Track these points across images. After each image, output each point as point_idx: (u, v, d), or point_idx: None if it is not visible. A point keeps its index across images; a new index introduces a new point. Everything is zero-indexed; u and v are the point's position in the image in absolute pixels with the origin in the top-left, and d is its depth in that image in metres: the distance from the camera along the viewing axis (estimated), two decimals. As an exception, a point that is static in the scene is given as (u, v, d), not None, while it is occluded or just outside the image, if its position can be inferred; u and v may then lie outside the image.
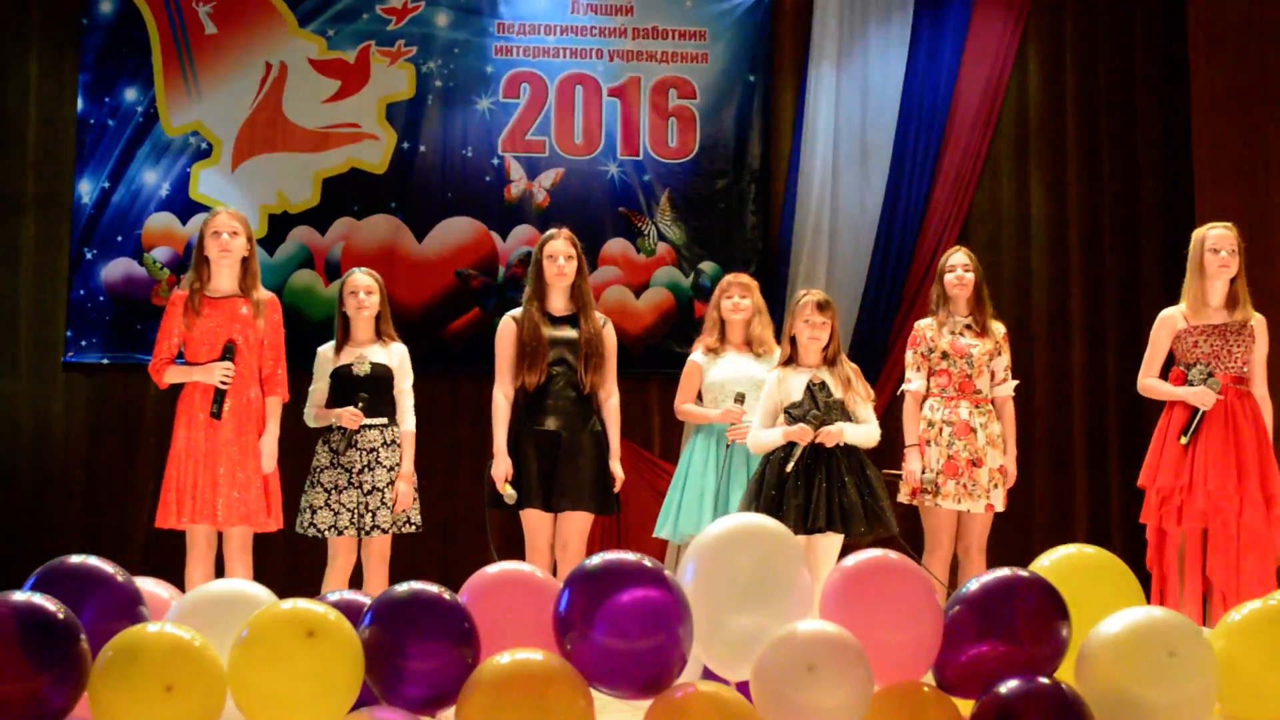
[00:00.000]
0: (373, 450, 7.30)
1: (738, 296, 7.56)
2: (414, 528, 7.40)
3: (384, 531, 7.25)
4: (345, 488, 7.23)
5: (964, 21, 10.36)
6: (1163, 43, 10.47)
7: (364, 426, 7.29)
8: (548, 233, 7.25)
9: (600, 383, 7.11)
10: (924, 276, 9.79)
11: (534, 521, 6.95)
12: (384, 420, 7.37)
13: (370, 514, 7.22)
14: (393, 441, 7.35)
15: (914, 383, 7.52)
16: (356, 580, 7.30)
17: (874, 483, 6.85)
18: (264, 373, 7.13)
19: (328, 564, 7.32)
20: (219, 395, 6.92)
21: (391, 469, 7.30)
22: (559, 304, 7.13)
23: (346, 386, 7.35)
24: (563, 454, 6.94)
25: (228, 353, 6.95)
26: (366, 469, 7.27)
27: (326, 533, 7.21)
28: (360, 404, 7.25)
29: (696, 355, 7.56)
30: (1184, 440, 6.95)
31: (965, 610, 4.64)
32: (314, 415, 7.41)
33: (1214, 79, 9.35)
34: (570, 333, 7.07)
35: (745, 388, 7.36)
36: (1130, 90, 10.54)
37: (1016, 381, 7.58)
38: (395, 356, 7.45)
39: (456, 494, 9.79)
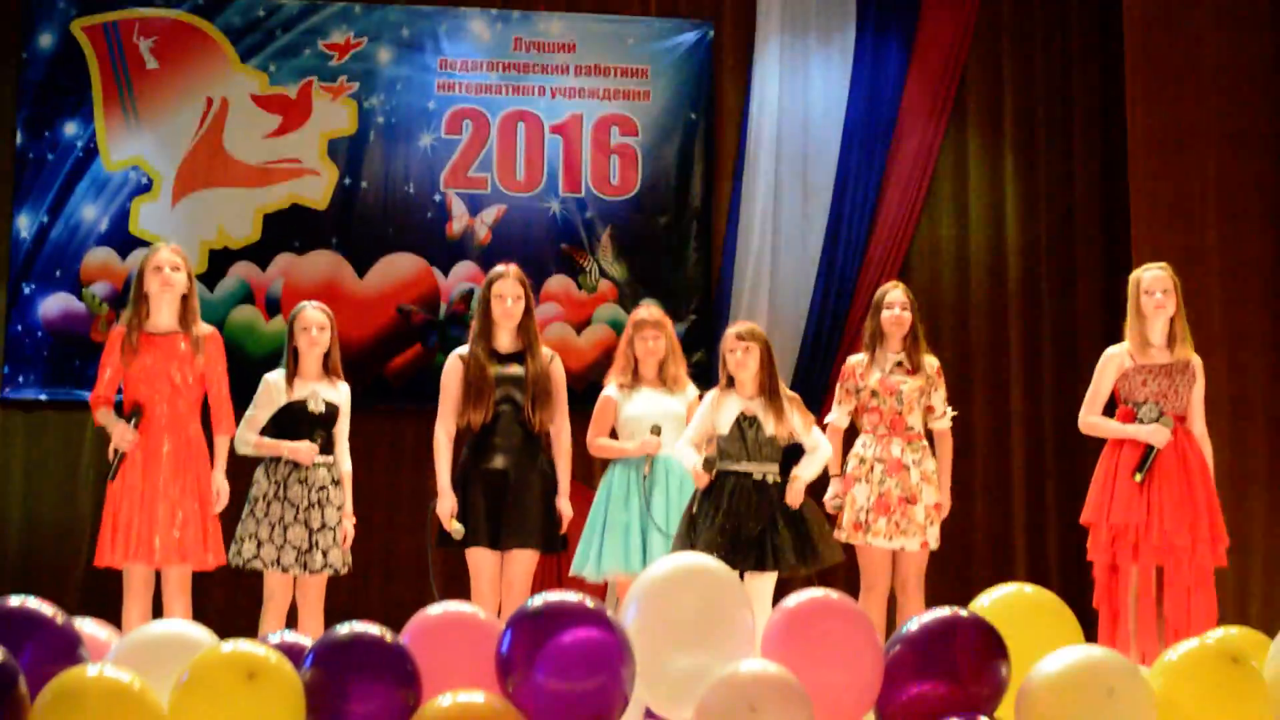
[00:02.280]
0: (322, 488, 7.26)
1: (650, 339, 7.53)
2: (346, 569, 7.36)
3: (336, 571, 7.21)
4: (292, 524, 7.18)
5: (903, 64, 10.46)
6: (1100, 83, 10.59)
7: (314, 464, 7.26)
8: (495, 270, 7.17)
9: (550, 419, 7.08)
10: (865, 314, 9.82)
11: (480, 560, 6.89)
12: (331, 459, 7.35)
13: (322, 553, 7.17)
14: (338, 481, 7.32)
15: (833, 415, 7.53)
16: (291, 619, 7.25)
17: (807, 518, 6.85)
18: (211, 410, 7.08)
19: (264, 601, 7.24)
20: (118, 458, 6.86)
21: (340, 507, 7.27)
22: (505, 342, 7.10)
23: (300, 422, 7.28)
24: (510, 492, 6.90)
25: (133, 416, 6.87)
26: (315, 506, 7.22)
27: (270, 567, 7.15)
28: (319, 440, 7.22)
29: (610, 390, 7.52)
30: (1138, 478, 6.98)
31: (906, 650, 4.66)
32: (253, 444, 7.30)
33: (1150, 119, 9.44)
34: (517, 370, 7.03)
35: (660, 422, 7.36)
36: (1068, 130, 10.66)
37: (954, 413, 7.61)
38: (343, 396, 7.43)
39: (398, 533, 9.75)
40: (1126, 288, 7.28)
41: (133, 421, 6.85)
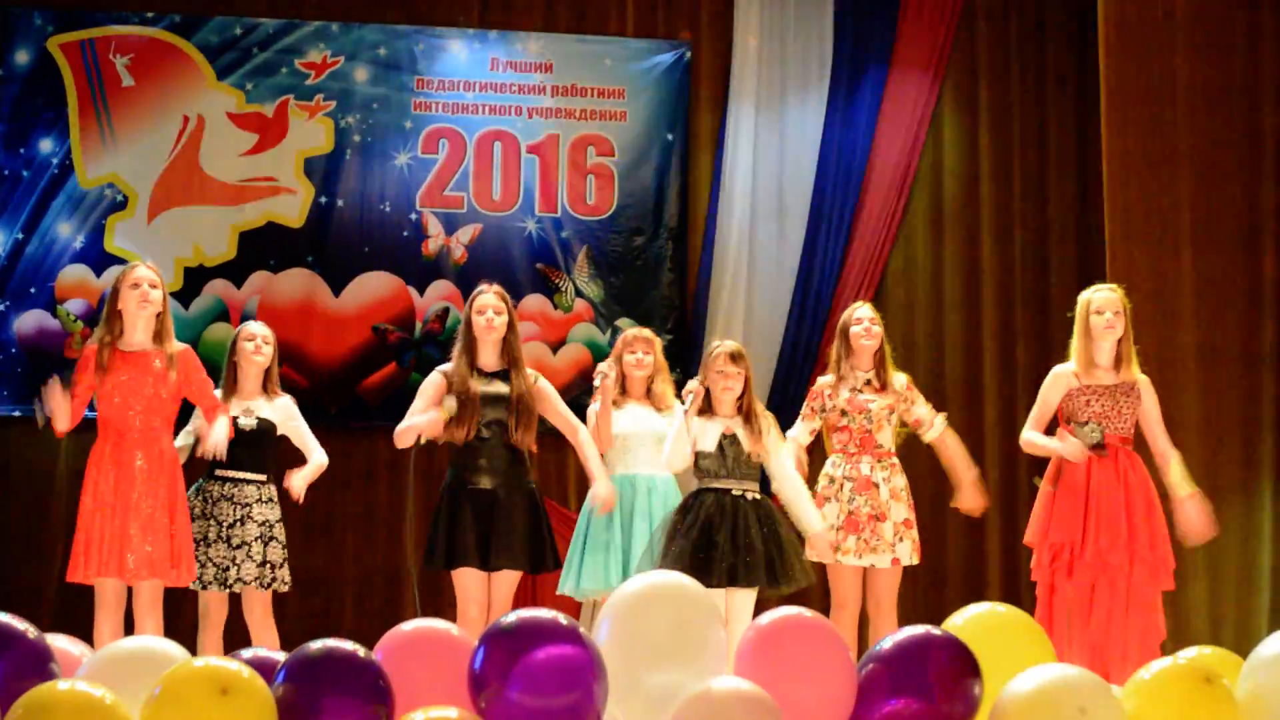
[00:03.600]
0: (246, 505, 7.28)
1: (641, 353, 7.55)
2: (286, 587, 7.35)
3: (245, 583, 7.21)
4: (214, 541, 7.20)
5: (880, 83, 10.49)
6: (1076, 105, 10.64)
7: (242, 481, 7.27)
8: (478, 288, 7.17)
9: (531, 440, 7.05)
10: (838, 334, 9.87)
11: (468, 581, 6.85)
12: (263, 477, 7.35)
13: (237, 568, 7.19)
14: (269, 499, 7.34)
15: (795, 429, 7.53)
16: (245, 639, 7.19)
17: (783, 537, 6.89)
18: (205, 411, 7.05)
19: (200, 620, 7.26)
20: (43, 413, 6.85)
21: (263, 524, 7.29)
22: (489, 359, 7.08)
23: (231, 439, 7.26)
24: (499, 513, 6.88)
25: (65, 379, 6.87)
26: (238, 523, 7.24)
27: (192, 585, 7.16)
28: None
29: (597, 406, 7.53)
30: (1036, 480, 7.04)
31: (879, 668, 4.67)
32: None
33: (1125, 141, 9.47)
34: (502, 388, 7.01)
35: (646, 442, 7.38)
36: (1043, 152, 10.71)
37: (943, 415, 7.62)
38: (280, 410, 7.44)
39: (372, 550, 9.74)
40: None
41: (66, 385, 6.84)
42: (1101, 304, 7.19)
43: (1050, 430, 7.24)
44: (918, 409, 7.54)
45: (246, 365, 7.43)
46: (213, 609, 7.25)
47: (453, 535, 6.84)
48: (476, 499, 6.88)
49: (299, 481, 7.41)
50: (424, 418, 6.89)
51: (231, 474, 7.32)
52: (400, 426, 6.97)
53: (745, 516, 6.83)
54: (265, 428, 7.36)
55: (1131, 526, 6.95)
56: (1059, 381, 7.23)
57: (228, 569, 7.19)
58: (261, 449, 7.35)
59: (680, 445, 6.94)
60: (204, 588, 7.20)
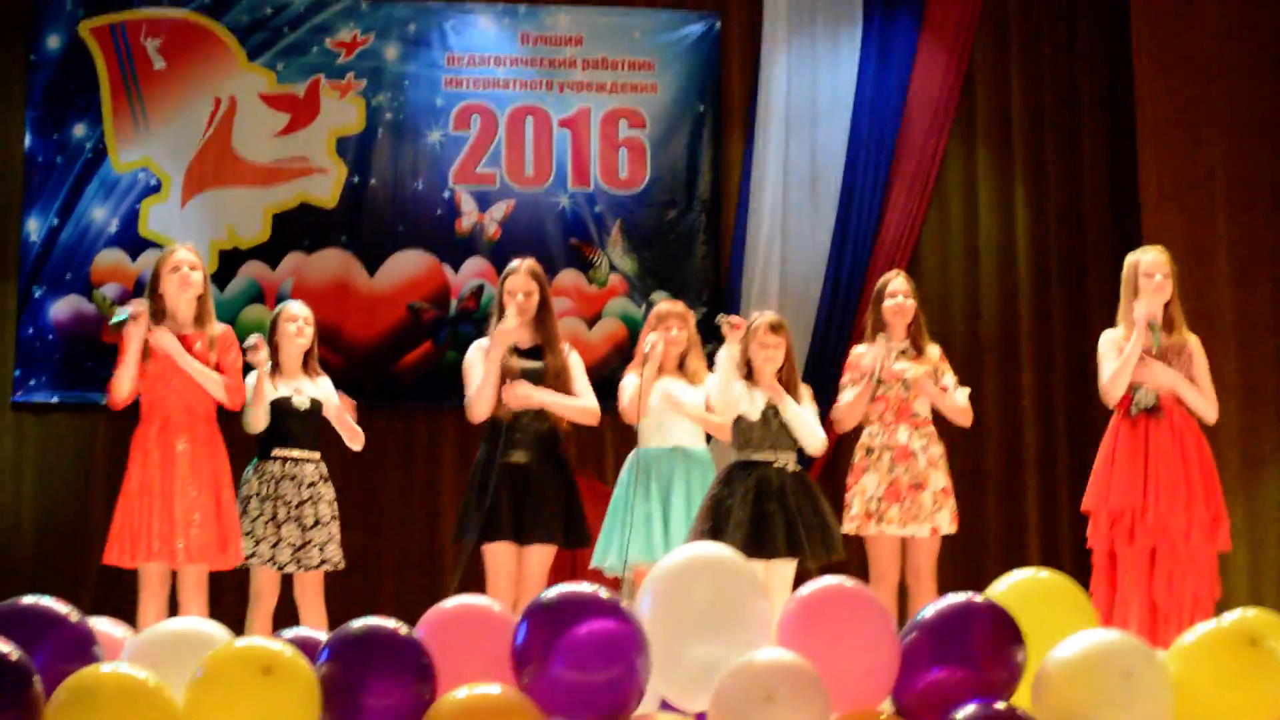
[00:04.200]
0: (311, 484, 7.29)
1: (675, 329, 7.53)
2: (343, 565, 7.38)
3: (330, 564, 7.24)
4: (285, 520, 7.20)
5: (910, 52, 10.43)
6: (1108, 69, 10.56)
7: (301, 461, 7.29)
8: (510, 265, 7.13)
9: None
10: (873, 304, 9.85)
11: (499, 555, 6.85)
12: (317, 455, 7.37)
13: (318, 548, 7.20)
14: (326, 477, 7.37)
15: (842, 398, 7.51)
16: (292, 618, 7.21)
17: (823, 509, 6.92)
18: (229, 388, 7.05)
19: (251, 600, 7.25)
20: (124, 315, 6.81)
21: (331, 502, 7.30)
22: (523, 337, 7.03)
23: (285, 418, 7.29)
24: (532, 487, 6.88)
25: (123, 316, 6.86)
26: (307, 503, 7.25)
27: (266, 565, 7.17)
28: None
29: (632, 378, 7.51)
30: (1155, 340, 6.96)
31: (921, 636, 4.65)
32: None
33: (1159, 103, 9.44)
34: (536, 365, 7.01)
35: (679, 417, 7.38)
36: (1076, 116, 10.63)
37: (968, 389, 7.59)
38: (324, 389, 7.47)
39: (410, 528, 9.77)
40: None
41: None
42: (1150, 266, 7.14)
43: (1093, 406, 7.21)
44: (945, 379, 7.52)
45: (288, 346, 7.44)
46: (266, 589, 7.24)
47: (487, 509, 6.83)
48: (510, 473, 6.87)
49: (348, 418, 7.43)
50: (490, 371, 6.86)
51: (290, 453, 7.33)
52: (469, 397, 6.94)
53: (789, 488, 6.88)
54: (316, 407, 7.38)
55: (1190, 488, 6.92)
56: (1111, 346, 7.18)
57: (303, 548, 7.21)
58: (314, 427, 7.38)
59: (728, 381, 6.97)
60: (280, 569, 7.22)
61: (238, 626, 4.89)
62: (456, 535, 6.99)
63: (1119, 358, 7.03)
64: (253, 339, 7.17)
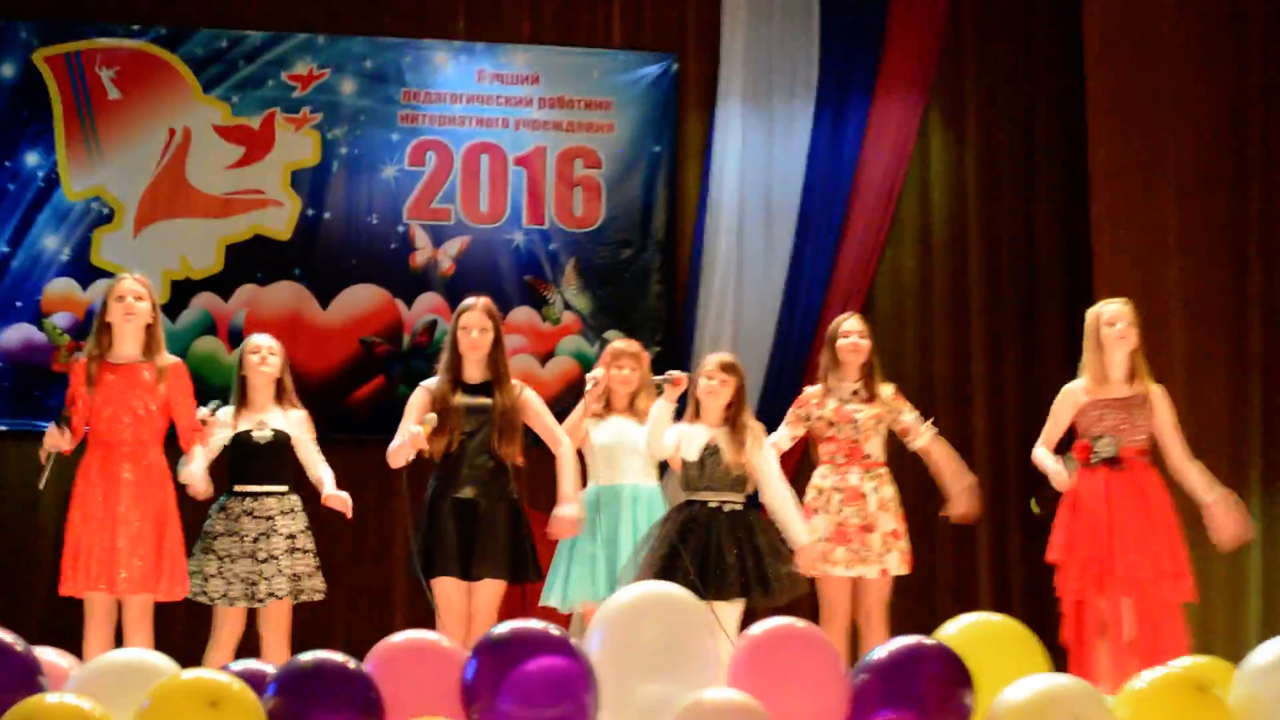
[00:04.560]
0: (269, 518, 7.25)
1: (628, 368, 7.53)
2: (320, 595, 7.34)
3: (278, 597, 7.18)
4: (239, 557, 7.16)
5: (867, 97, 10.45)
6: (1062, 117, 10.64)
7: (261, 495, 7.25)
8: (464, 303, 7.16)
9: (515, 453, 7.03)
10: (827, 346, 9.87)
11: (448, 591, 6.85)
12: (283, 488, 7.33)
13: (266, 581, 7.15)
14: (290, 510, 7.31)
15: (777, 434, 7.54)
16: (255, 650, 7.20)
17: (761, 548, 6.88)
18: (182, 434, 7.03)
19: (212, 634, 7.22)
20: (50, 460, 6.82)
21: (289, 536, 7.25)
22: (474, 374, 7.07)
23: (246, 453, 7.29)
24: (481, 522, 6.88)
25: (62, 418, 6.83)
26: (262, 537, 7.20)
27: (219, 601, 7.14)
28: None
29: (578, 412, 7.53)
30: (1034, 507, 7.06)
31: (871, 678, 4.67)
32: (183, 473, 7.23)
33: (1112, 153, 9.50)
34: (485, 401, 7.00)
35: (630, 453, 7.37)
36: (1031, 164, 10.71)
37: (931, 419, 7.62)
38: (295, 420, 7.42)
39: (361, 562, 9.72)
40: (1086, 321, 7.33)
41: (62, 424, 6.81)
42: (1113, 316, 7.21)
43: (1066, 444, 7.26)
44: (905, 417, 7.55)
45: (254, 377, 7.41)
46: (228, 625, 7.20)
47: (435, 544, 6.83)
48: (459, 508, 6.88)
49: (338, 495, 7.36)
50: (407, 435, 6.89)
51: (251, 488, 7.29)
52: (391, 446, 6.96)
53: (719, 528, 6.85)
54: (281, 439, 7.34)
55: (1154, 541, 6.96)
56: (1068, 398, 7.26)
57: (255, 583, 7.16)
58: (279, 460, 7.34)
59: (656, 433, 6.95)
60: (231, 604, 7.17)
61: (185, 658, 4.85)
62: (409, 569, 6.97)
63: (1049, 457, 7.19)
64: (202, 411, 7.15)
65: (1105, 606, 6.99)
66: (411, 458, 6.91)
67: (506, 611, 6.65)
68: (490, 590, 6.90)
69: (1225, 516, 7.13)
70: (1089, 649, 6.96)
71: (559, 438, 7.18)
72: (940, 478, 7.64)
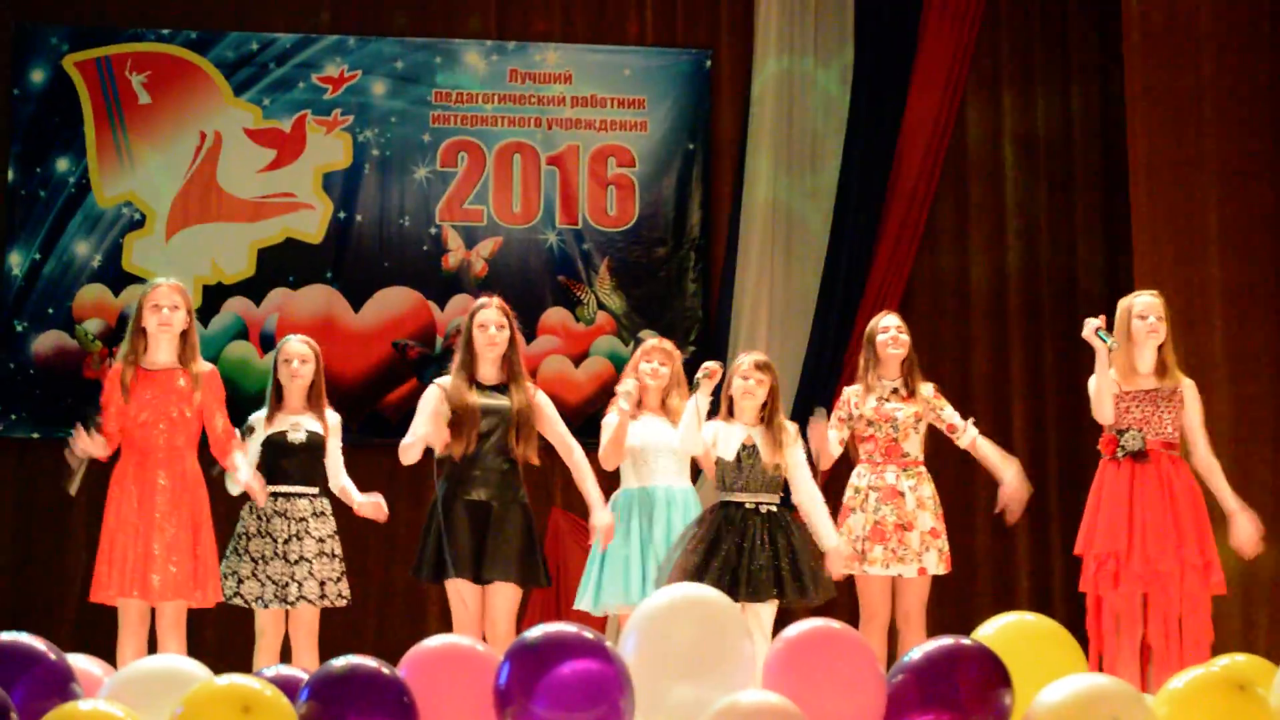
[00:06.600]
0: (302, 520, 7.25)
1: (658, 363, 7.46)
2: (344, 601, 7.32)
3: (310, 602, 7.17)
4: (271, 558, 7.16)
5: (902, 93, 10.40)
6: (1101, 110, 10.57)
7: (294, 496, 7.24)
8: (479, 301, 7.14)
9: (532, 453, 7.00)
10: (863, 344, 9.82)
11: (461, 593, 6.81)
12: (315, 490, 7.32)
13: (297, 584, 7.14)
14: (321, 513, 7.31)
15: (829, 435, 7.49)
16: (285, 654, 7.20)
17: (796, 550, 6.84)
18: (215, 442, 7.02)
19: (256, 639, 7.24)
20: (80, 465, 6.83)
21: (320, 539, 7.24)
22: (489, 373, 7.02)
23: (279, 454, 7.29)
24: (493, 524, 6.84)
25: (89, 421, 6.82)
26: (294, 539, 7.20)
27: (254, 604, 7.14)
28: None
29: (612, 417, 7.44)
30: (1109, 342, 6.98)
31: (909, 679, 4.62)
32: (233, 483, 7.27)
33: (1152, 144, 9.42)
34: (501, 401, 6.97)
35: (662, 453, 7.30)
36: (1069, 159, 10.65)
37: (972, 419, 7.56)
38: (329, 424, 7.41)
39: (394, 566, 9.70)
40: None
41: (90, 426, 6.80)
42: (1144, 308, 7.15)
43: (1094, 438, 7.20)
44: (946, 414, 7.49)
45: (288, 384, 7.41)
46: (269, 628, 7.21)
47: (448, 546, 6.79)
48: (471, 510, 6.84)
49: (371, 502, 7.36)
50: (423, 431, 6.86)
51: (283, 489, 7.29)
52: (404, 442, 6.92)
53: (755, 529, 6.81)
54: (314, 441, 7.34)
55: (1180, 532, 6.90)
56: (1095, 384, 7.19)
57: (287, 585, 7.15)
58: (312, 462, 7.33)
59: (691, 427, 6.91)
60: (265, 606, 7.16)
61: (218, 664, 4.82)
62: (412, 571, 6.95)
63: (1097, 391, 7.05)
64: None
65: (1120, 603, 6.94)
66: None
67: (540, 615, 6.62)
68: (506, 594, 6.85)
69: (1245, 529, 7.09)
70: (1109, 645, 6.91)
71: (570, 445, 7.13)
72: (991, 470, 7.57)
